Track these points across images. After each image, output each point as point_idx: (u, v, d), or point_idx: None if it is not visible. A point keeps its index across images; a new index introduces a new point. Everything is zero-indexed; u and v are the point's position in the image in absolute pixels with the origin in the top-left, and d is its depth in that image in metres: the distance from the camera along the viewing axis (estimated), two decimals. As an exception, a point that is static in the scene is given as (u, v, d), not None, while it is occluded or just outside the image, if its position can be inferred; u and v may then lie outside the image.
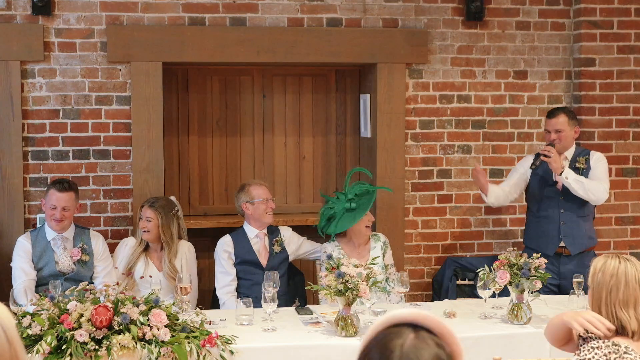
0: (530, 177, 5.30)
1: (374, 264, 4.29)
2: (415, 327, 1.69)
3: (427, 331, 1.69)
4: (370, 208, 5.12)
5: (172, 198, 5.25)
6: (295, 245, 5.25)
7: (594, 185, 5.06)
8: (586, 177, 5.12)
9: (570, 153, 5.24)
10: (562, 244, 5.19)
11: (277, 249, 5.13)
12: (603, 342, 2.83)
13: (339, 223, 5.07)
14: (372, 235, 5.20)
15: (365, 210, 5.05)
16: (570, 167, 5.15)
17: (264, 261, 5.08)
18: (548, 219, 5.20)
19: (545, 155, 5.04)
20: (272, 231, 5.21)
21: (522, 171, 5.33)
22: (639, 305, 2.89)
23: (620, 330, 2.89)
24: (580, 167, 5.17)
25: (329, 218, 5.15)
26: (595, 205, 5.30)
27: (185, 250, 5.09)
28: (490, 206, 5.55)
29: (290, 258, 5.24)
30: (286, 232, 5.26)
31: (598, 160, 5.22)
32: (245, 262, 5.05)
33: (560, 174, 5.03)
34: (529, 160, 5.30)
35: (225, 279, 5.02)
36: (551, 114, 5.24)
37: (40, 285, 4.75)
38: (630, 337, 2.88)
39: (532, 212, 5.37)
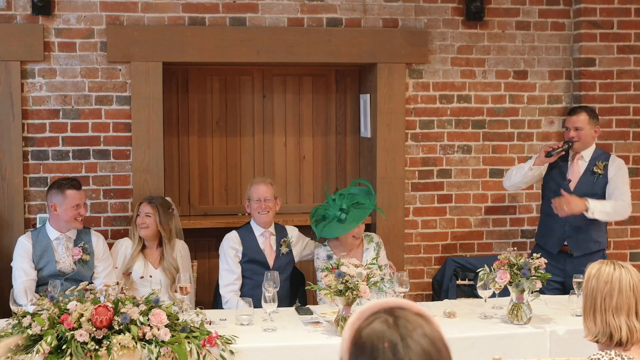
0: (544, 176, 5.32)
1: (373, 264, 4.29)
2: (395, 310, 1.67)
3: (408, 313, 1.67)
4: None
5: (168, 199, 5.27)
6: (301, 246, 5.22)
7: (617, 208, 5.08)
8: (602, 184, 5.13)
9: (588, 153, 5.23)
10: (565, 243, 5.20)
11: (284, 250, 5.10)
12: (606, 353, 2.82)
13: (325, 228, 5.01)
14: (365, 236, 5.14)
15: (353, 226, 4.95)
16: (587, 169, 5.17)
17: (270, 261, 5.05)
18: (555, 218, 5.20)
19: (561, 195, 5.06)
20: (280, 230, 5.17)
21: (537, 171, 5.31)
22: (632, 313, 2.87)
23: (609, 340, 2.87)
24: (598, 173, 5.17)
25: (322, 217, 5.11)
26: None
27: (180, 248, 5.10)
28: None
29: (296, 259, 5.20)
30: (293, 232, 5.22)
31: (618, 169, 5.20)
32: (253, 261, 5.01)
33: (587, 211, 5.03)
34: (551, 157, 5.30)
35: (229, 277, 4.99)
36: (572, 111, 5.28)
37: (41, 285, 4.75)
38: (623, 347, 2.86)
39: (542, 209, 5.42)
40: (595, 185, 5.17)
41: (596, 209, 5.01)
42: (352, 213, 5.02)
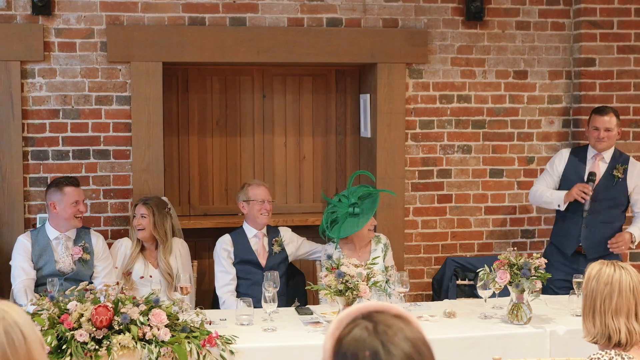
0: (561, 178, 5.34)
1: (374, 263, 4.29)
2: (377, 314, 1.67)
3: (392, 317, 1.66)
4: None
5: (164, 198, 5.27)
6: (294, 246, 5.25)
7: None
8: (621, 188, 5.18)
9: (608, 154, 5.26)
10: (580, 244, 5.22)
11: (276, 249, 5.14)
12: (606, 353, 2.81)
13: (342, 228, 5.02)
14: (374, 237, 5.17)
15: (369, 216, 5.00)
16: (607, 172, 5.20)
17: (263, 261, 5.08)
18: (572, 220, 5.23)
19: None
20: (272, 231, 5.21)
21: (556, 174, 5.35)
22: (632, 314, 2.86)
23: (607, 341, 2.86)
24: (617, 176, 5.20)
25: (331, 221, 5.13)
26: (625, 212, 5.34)
27: (179, 247, 5.10)
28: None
29: (290, 259, 5.24)
30: (286, 233, 5.26)
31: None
32: (244, 262, 5.05)
33: (633, 242, 5.23)
34: (562, 162, 5.31)
35: (225, 277, 5.02)
36: (602, 111, 5.23)
37: (40, 285, 4.75)
38: (622, 347, 2.85)
39: (558, 210, 5.40)
40: (614, 189, 5.21)
41: (638, 235, 5.23)
42: (364, 204, 5.04)
